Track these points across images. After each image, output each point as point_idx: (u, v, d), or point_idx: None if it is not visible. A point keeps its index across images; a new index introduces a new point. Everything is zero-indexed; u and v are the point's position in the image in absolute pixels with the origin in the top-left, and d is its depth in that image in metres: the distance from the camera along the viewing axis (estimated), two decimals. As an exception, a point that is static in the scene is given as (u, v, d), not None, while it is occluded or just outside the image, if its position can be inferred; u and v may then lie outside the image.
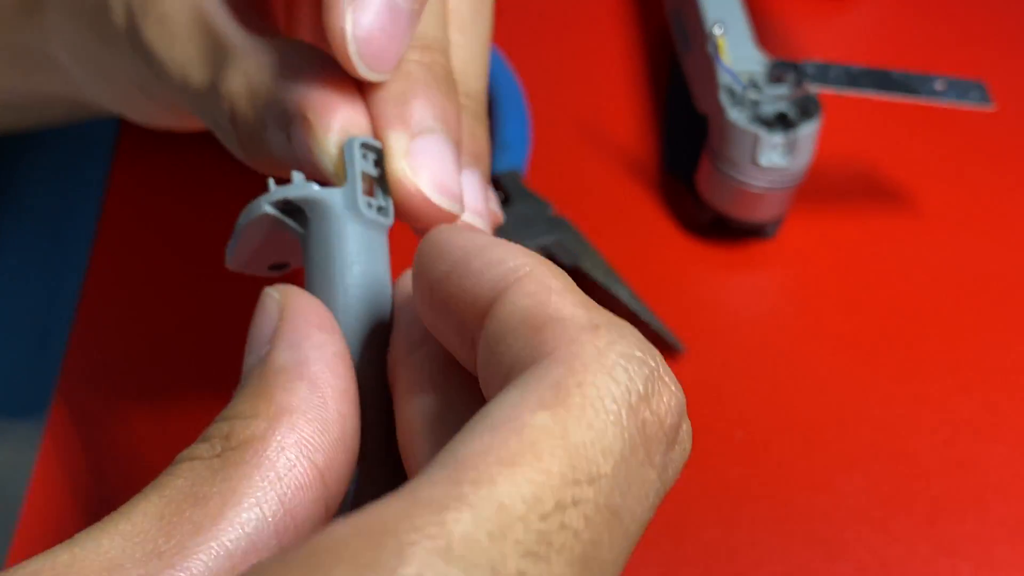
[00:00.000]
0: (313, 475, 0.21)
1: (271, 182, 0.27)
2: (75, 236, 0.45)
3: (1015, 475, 0.39)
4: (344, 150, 0.26)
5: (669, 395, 0.20)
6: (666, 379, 0.20)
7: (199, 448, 0.21)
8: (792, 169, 0.42)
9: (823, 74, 0.41)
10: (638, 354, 0.19)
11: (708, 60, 0.44)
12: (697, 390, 0.41)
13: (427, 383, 0.23)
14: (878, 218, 0.47)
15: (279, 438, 0.21)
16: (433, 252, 0.22)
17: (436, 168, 0.27)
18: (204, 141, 0.47)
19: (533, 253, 0.22)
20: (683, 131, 0.48)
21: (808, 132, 0.41)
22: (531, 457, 0.17)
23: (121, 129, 0.48)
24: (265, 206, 0.26)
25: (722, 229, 0.45)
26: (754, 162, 0.42)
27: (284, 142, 0.28)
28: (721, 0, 0.47)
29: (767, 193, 0.43)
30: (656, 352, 0.20)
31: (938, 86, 0.41)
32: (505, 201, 0.45)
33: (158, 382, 0.41)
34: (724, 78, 0.43)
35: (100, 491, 0.38)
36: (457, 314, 0.21)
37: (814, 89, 0.41)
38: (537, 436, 0.17)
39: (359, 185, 0.26)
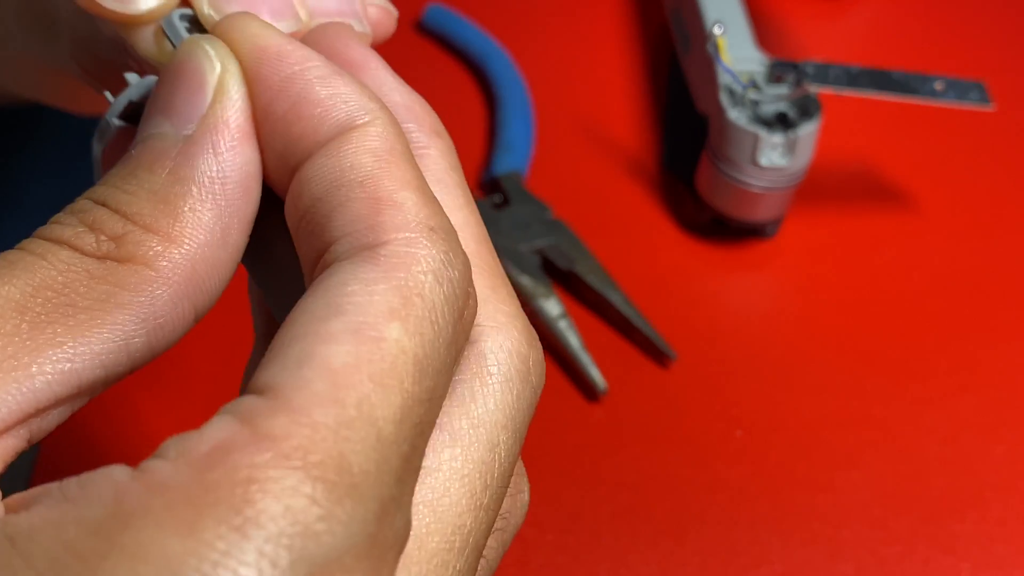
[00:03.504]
0: (190, 320, 0.20)
1: (108, 95, 0.24)
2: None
3: (1014, 474, 0.39)
4: (165, 30, 0.23)
5: (473, 302, 0.20)
6: (470, 290, 0.20)
7: (82, 236, 0.20)
8: (792, 169, 0.42)
9: (823, 74, 0.41)
10: (461, 264, 0.20)
11: (708, 60, 0.44)
12: (697, 389, 0.41)
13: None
14: (878, 217, 0.47)
15: (167, 273, 0.19)
16: (271, 62, 0.20)
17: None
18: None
19: (377, 98, 0.20)
20: (683, 131, 0.48)
21: (808, 132, 0.41)
22: (395, 380, 0.18)
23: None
24: (114, 121, 0.24)
25: (722, 229, 0.45)
26: (754, 162, 0.42)
27: (110, 45, 0.25)
28: (721, 0, 0.47)
29: (767, 193, 0.43)
30: (466, 260, 0.20)
31: (938, 86, 0.41)
32: (504, 203, 0.45)
33: (159, 380, 0.41)
34: (724, 78, 0.43)
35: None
36: (283, 134, 0.20)
37: (814, 89, 0.41)
38: (396, 354, 0.18)
39: None
